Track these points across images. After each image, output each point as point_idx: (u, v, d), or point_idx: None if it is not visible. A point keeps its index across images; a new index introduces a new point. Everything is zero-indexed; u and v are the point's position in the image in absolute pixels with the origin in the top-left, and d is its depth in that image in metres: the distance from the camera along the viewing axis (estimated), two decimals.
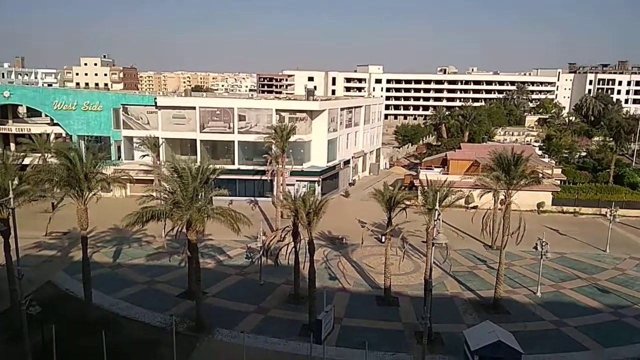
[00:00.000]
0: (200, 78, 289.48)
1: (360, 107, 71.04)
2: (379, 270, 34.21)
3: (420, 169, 63.63)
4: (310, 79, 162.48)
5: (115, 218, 34.85)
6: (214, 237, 39.65)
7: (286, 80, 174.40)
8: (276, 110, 56.09)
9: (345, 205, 55.76)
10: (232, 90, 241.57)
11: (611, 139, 72.29)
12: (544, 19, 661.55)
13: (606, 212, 44.91)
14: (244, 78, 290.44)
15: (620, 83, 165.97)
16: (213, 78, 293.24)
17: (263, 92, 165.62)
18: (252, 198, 54.84)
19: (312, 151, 58.06)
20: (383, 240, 38.44)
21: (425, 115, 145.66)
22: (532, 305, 31.10)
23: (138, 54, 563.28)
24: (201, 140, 55.71)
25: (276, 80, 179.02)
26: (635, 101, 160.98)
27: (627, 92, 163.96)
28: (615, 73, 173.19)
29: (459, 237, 40.88)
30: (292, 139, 49.20)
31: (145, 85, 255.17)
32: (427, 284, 25.76)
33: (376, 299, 31.48)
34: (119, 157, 57.28)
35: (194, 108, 55.53)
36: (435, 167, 63.08)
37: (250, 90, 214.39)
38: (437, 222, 26.77)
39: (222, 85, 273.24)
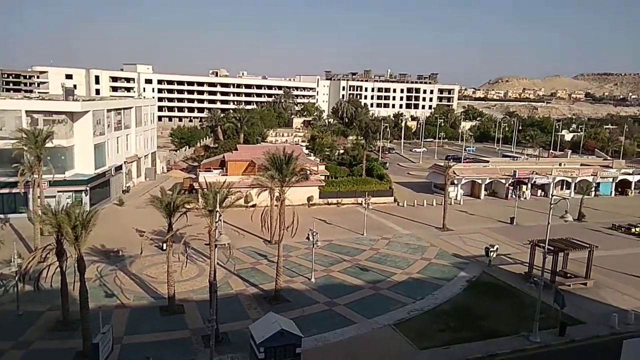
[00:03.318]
0: None
1: (130, 108, 66.78)
2: (161, 280, 32.89)
3: (200, 171, 63.24)
4: (69, 76, 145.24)
5: None
6: None
7: (38, 77, 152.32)
8: (27, 111, 48.64)
9: (120, 214, 51.80)
10: None
11: (362, 137, 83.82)
12: (303, 32, 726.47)
13: (361, 201, 51.96)
14: None
15: (366, 89, 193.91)
16: None
17: (8, 90, 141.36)
18: (1, 215, 46.46)
19: (76, 157, 52.17)
20: (164, 247, 37.05)
21: (201, 117, 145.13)
22: (308, 290, 34.04)
23: None
24: None
25: (24, 77, 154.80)
26: (378, 105, 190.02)
27: (372, 97, 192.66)
28: (362, 80, 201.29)
29: (240, 235, 42.17)
30: (49, 144, 43.31)
31: None
32: (212, 285, 25.86)
33: (160, 310, 30.18)
34: None
35: None
36: (214, 168, 63.47)
37: None
38: (218, 224, 27.11)
39: None
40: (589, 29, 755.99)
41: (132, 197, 58.88)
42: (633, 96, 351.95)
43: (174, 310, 29.96)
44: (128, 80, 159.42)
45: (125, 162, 63.02)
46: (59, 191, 47.38)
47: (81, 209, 25.66)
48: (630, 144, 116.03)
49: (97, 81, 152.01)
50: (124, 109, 64.79)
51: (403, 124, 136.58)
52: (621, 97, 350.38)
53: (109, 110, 58.85)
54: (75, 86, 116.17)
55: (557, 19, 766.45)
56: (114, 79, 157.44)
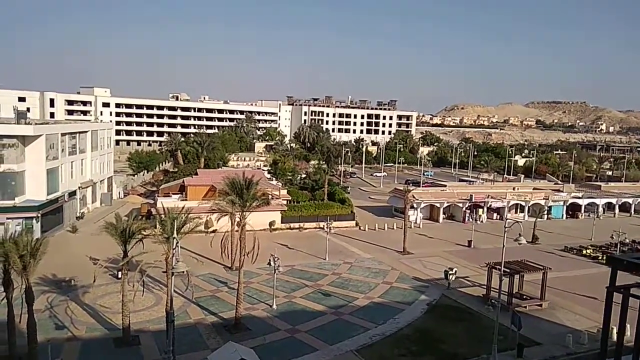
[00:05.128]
0: None
1: (86, 132, 65.16)
2: (116, 310, 31.60)
3: (158, 196, 61.87)
4: (22, 99, 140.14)
5: None
6: None
7: None
8: None
9: (73, 241, 49.84)
10: None
11: (324, 162, 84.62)
12: (265, 56, 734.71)
13: (323, 226, 52.03)
14: None
15: (327, 115, 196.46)
16: None
17: None
18: None
19: (27, 183, 50.17)
20: (119, 275, 35.79)
21: (160, 142, 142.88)
22: (269, 318, 33.45)
23: None
24: None
25: None
26: (339, 130, 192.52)
27: (334, 123, 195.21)
28: (323, 106, 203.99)
29: (199, 262, 41.32)
30: None
31: None
32: (169, 315, 25.09)
33: (114, 341, 28.94)
34: None
35: None
36: (174, 193, 62.28)
37: None
38: (175, 250, 26.46)
39: None
40: (540, 59, 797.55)
41: (87, 224, 56.87)
42: (580, 123, 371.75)
43: (129, 341, 28.79)
44: (85, 103, 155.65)
45: (79, 187, 61.09)
46: (8, 218, 45.47)
47: (30, 237, 24.63)
48: (579, 169, 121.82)
49: (52, 104, 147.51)
50: (80, 132, 63.17)
51: (364, 149, 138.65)
52: (569, 124, 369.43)
53: (63, 134, 57.18)
54: (28, 109, 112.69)
55: (509, 49, 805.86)
56: (70, 102, 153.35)
